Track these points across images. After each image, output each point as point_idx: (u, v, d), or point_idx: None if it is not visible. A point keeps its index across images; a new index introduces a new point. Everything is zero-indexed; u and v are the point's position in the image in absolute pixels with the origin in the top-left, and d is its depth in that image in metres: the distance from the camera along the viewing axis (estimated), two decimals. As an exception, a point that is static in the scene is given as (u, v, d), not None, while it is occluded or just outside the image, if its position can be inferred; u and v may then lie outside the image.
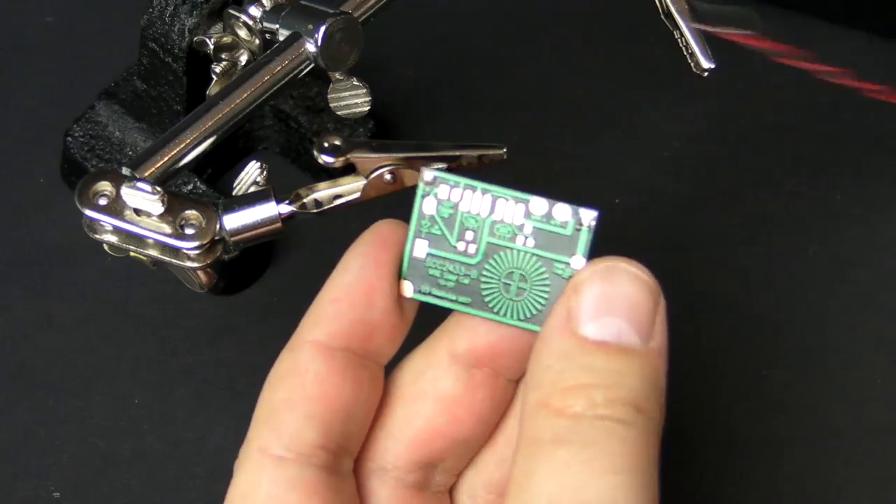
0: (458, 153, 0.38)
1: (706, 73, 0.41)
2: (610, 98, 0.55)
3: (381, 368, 0.36)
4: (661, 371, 0.33)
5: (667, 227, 0.51)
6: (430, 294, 0.35)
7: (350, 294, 0.35)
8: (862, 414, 0.48)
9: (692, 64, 0.41)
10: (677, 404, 0.48)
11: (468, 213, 0.35)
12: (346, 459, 0.35)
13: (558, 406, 0.32)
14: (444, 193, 0.35)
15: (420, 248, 0.35)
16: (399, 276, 0.35)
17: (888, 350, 0.49)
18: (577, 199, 0.52)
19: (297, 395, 0.34)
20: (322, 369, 0.35)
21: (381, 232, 0.36)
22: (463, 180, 0.35)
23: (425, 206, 0.35)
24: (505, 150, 0.38)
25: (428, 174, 0.35)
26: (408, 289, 0.35)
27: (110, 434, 0.47)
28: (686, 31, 0.41)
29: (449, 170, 0.38)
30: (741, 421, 0.48)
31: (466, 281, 0.35)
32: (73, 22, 0.56)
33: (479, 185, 0.35)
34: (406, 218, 0.35)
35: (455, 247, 0.35)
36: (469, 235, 0.35)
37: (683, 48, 0.41)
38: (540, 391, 0.32)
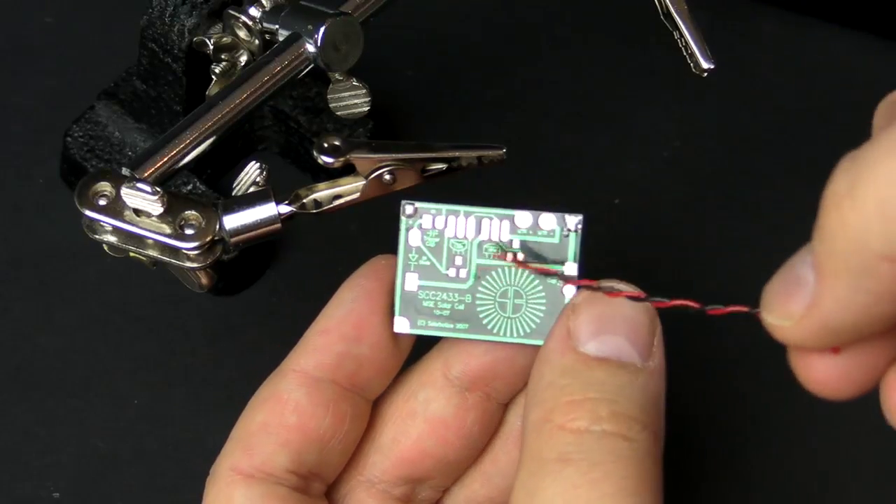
0: (457, 154, 0.38)
1: (706, 74, 0.41)
2: (610, 98, 0.55)
3: (367, 403, 0.36)
4: (662, 390, 0.33)
5: (667, 227, 0.51)
6: (427, 326, 0.35)
7: (340, 327, 0.35)
8: (862, 414, 0.48)
9: (692, 64, 0.41)
10: (677, 404, 0.48)
11: (454, 237, 0.35)
12: (317, 484, 0.35)
13: (562, 421, 0.31)
14: (427, 223, 0.35)
15: (411, 282, 0.35)
16: (392, 312, 0.35)
17: (888, 350, 0.49)
18: (576, 200, 0.52)
19: (274, 421, 0.35)
20: (303, 399, 0.35)
21: (377, 267, 0.36)
22: (444, 206, 0.35)
23: (410, 238, 0.35)
24: (504, 150, 0.38)
25: (409, 207, 0.35)
26: (402, 325, 0.35)
27: (110, 434, 0.47)
28: (686, 32, 0.41)
29: (449, 170, 0.38)
30: (740, 421, 0.48)
31: (462, 307, 0.35)
32: (73, 22, 0.56)
33: (462, 208, 0.35)
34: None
35: (446, 274, 0.35)
36: (458, 260, 0.35)
37: (683, 49, 0.41)
38: (542, 407, 0.32)
